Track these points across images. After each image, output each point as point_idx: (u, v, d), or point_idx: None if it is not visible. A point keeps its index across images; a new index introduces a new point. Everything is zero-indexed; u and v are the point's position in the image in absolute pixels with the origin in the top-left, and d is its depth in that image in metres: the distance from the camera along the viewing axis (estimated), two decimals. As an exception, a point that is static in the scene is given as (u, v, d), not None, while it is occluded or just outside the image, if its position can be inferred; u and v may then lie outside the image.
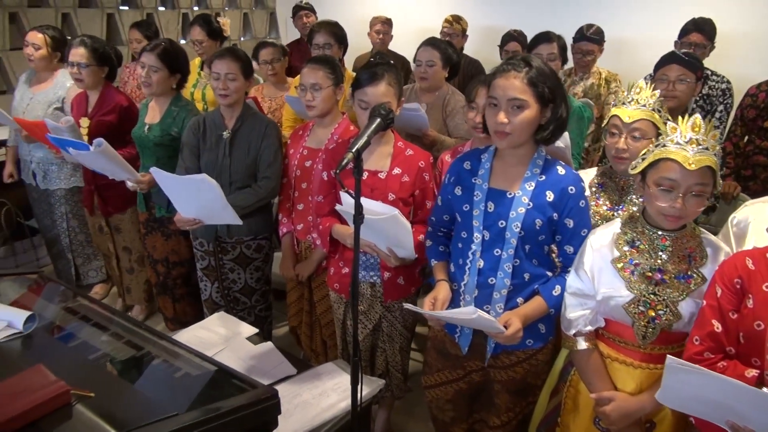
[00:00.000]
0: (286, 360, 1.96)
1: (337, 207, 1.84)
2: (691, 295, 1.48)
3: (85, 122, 2.95)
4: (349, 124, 2.42)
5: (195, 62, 3.69)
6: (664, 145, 1.44)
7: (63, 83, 3.21)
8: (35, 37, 3.10)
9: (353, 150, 1.39)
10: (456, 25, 4.08)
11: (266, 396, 1.36)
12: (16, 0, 3.91)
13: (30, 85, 3.25)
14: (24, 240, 3.75)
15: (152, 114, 2.77)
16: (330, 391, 1.83)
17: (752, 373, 1.33)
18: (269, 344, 2.05)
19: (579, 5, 4.45)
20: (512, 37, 3.75)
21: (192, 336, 2.07)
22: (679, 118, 1.45)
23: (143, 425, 1.13)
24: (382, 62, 2.07)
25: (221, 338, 2.08)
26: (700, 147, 1.40)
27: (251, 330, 2.14)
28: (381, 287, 2.14)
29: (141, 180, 2.57)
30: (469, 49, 4.31)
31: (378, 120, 1.53)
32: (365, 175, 1.98)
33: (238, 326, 2.17)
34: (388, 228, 1.82)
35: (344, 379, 1.88)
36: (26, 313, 1.42)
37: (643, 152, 1.53)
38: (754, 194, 2.00)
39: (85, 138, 2.89)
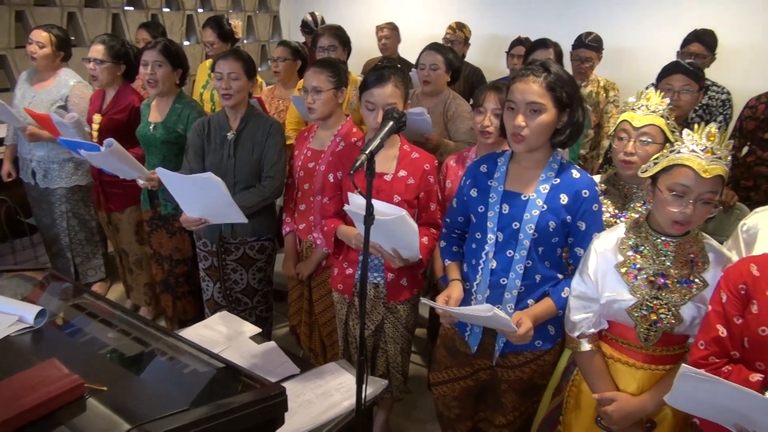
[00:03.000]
0: (289, 359, 1.97)
1: (345, 207, 1.86)
2: (693, 299, 1.50)
3: (97, 118, 2.97)
4: (352, 126, 2.44)
5: (206, 64, 3.73)
6: (679, 152, 1.47)
7: (66, 82, 3.21)
8: (40, 35, 3.10)
9: (367, 152, 1.41)
10: (459, 33, 4.11)
11: (274, 393, 1.37)
12: (22, -2, 3.93)
13: (31, 83, 3.25)
14: (23, 238, 3.75)
15: (155, 113, 2.79)
16: (333, 390, 1.84)
17: (757, 377, 1.35)
18: (272, 343, 2.06)
19: (580, 15, 4.50)
20: (519, 41, 3.86)
21: (195, 335, 2.07)
22: (695, 125, 1.48)
23: (155, 419, 1.14)
24: (389, 65, 2.09)
25: (224, 337, 2.09)
26: (714, 156, 1.43)
27: (254, 329, 2.15)
28: (384, 288, 2.15)
29: (152, 177, 2.57)
30: (473, 57, 4.34)
31: (391, 123, 1.54)
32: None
33: (241, 325, 2.17)
34: (395, 229, 1.83)
35: (347, 379, 1.89)
36: (37, 308, 1.43)
37: (655, 156, 1.55)
38: (756, 204, 2.03)
39: (95, 134, 2.91)
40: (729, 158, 1.45)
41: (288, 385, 1.79)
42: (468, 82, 3.84)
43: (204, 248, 2.64)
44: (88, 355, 1.39)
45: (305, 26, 4.47)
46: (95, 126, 2.96)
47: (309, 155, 2.44)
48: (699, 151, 1.44)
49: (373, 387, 1.87)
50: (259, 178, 2.48)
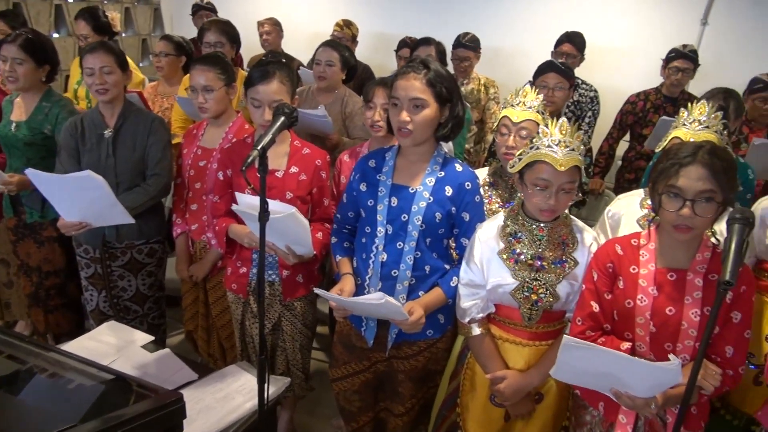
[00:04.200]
0: (186, 366, 1.91)
1: (234, 207, 1.82)
2: (567, 277, 1.64)
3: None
4: (243, 123, 2.40)
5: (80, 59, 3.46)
6: (538, 148, 1.58)
7: None
8: None
9: (258, 148, 1.40)
10: (346, 30, 4.15)
11: (170, 401, 1.31)
12: None
13: None
14: None
15: (19, 111, 2.55)
16: (235, 393, 1.81)
17: (626, 345, 1.51)
18: (167, 351, 1.98)
19: (463, 16, 4.70)
20: (405, 43, 3.95)
21: (80, 347, 1.94)
22: (549, 121, 1.61)
23: (37, 440, 1.06)
24: (274, 60, 2.08)
25: (113, 348, 1.98)
26: (568, 148, 1.56)
27: (146, 338, 2.06)
28: (280, 286, 2.14)
29: (9, 181, 2.36)
30: (362, 54, 4.38)
31: (282, 119, 1.53)
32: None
33: (131, 335, 2.07)
34: (286, 226, 1.83)
35: (249, 380, 1.87)
36: None
37: (519, 152, 1.67)
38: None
39: None
40: (582, 148, 1.59)
41: (186, 392, 1.74)
42: (358, 79, 3.89)
43: (86, 255, 2.46)
44: (-46, 379, 1.25)
45: (195, 6, 4.35)
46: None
47: (199, 153, 2.37)
48: (554, 146, 1.56)
49: (276, 386, 1.86)
50: (144, 177, 2.36)
